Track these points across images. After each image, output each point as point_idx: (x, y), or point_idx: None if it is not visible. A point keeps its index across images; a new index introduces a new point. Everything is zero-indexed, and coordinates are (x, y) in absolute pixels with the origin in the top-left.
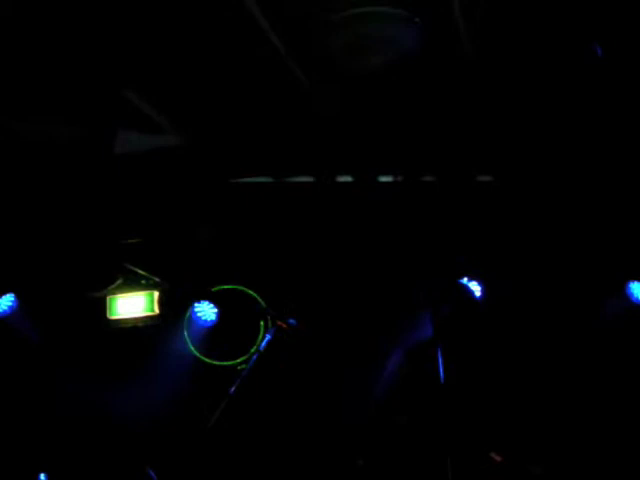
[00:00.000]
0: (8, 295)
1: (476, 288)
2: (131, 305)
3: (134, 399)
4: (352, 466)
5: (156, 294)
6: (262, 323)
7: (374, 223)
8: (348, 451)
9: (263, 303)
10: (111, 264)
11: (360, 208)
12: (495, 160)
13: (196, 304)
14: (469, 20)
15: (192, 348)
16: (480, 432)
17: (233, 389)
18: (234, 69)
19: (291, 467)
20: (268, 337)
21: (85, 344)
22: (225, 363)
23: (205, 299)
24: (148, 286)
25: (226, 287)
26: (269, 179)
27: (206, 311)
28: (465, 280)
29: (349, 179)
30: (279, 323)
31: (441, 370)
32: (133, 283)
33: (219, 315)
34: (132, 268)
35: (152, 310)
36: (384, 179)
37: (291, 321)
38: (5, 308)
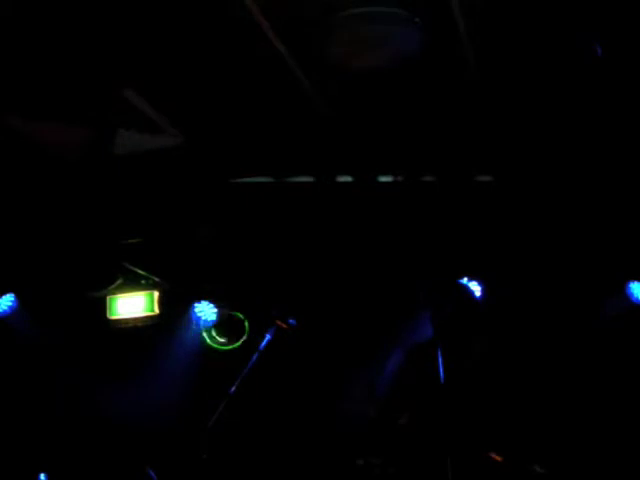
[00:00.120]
0: (8, 295)
1: (476, 288)
2: (131, 305)
3: (134, 399)
4: (352, 466)
5: (156, 294)
6: (246, 323)
7: (374, 223)
8: (348, 451)
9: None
10: (111, 264)
11: (360, 208)
12: (495, 160)
13: (196, 304)
14: (469, 20)
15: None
16: (480, 432)
17: (233, 389)
18: (234, 69)
19: (291, 467)
20: (268, 337)
21: (85, 344)
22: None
23: (205, 299)
24: (148, 286)
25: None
26: (269, 179)
27: (206, 311)
28: (465, 280)
29: (349, 179)
30: (279, 323)
31: (441, 370)
32: (133, 283)
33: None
34: (132, 268)
35: (152, 310)
36: (384, 179)
37: (291, 321)
38: (5, 308)
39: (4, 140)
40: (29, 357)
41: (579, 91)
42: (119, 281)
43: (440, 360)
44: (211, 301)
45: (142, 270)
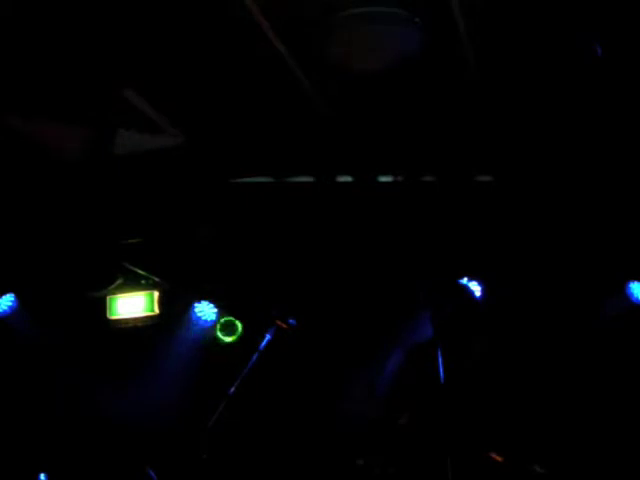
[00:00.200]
0: (8, 295)
1: (476, 288)
2: (131, 305)
3: (134, 399)
4: (352, 466)
5: (156, 294)
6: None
7: (374, 223)
8: (348, 451)
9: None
10: (111, 264)
11: (360, 208)
12: (495, 160)
13: (196, 304)
14: (469, 20)
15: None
16: (480, 432)
17: (233, 389)
18: (234, 69)
19: (291, 467)
20: (268, 337)
21: (85, 344)
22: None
23: (205, 299)
24: (148, 286)
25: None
26: (269, 179)
27: (206, 311)
28: (465, 280)
29: (349, 179)
30: (279, 323)
31: (441, 370)
32: (133, 283)
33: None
34: (132, 268)
35: (152, 310)
36: (384, 179)
37: (291, 321)
38: (5, 308)
39: (4, 140)
40: (29, 357)
41: (579, 91)
42: (119, 281)
43: (440, 360)
44: (211, 301)
45: (142, 270)
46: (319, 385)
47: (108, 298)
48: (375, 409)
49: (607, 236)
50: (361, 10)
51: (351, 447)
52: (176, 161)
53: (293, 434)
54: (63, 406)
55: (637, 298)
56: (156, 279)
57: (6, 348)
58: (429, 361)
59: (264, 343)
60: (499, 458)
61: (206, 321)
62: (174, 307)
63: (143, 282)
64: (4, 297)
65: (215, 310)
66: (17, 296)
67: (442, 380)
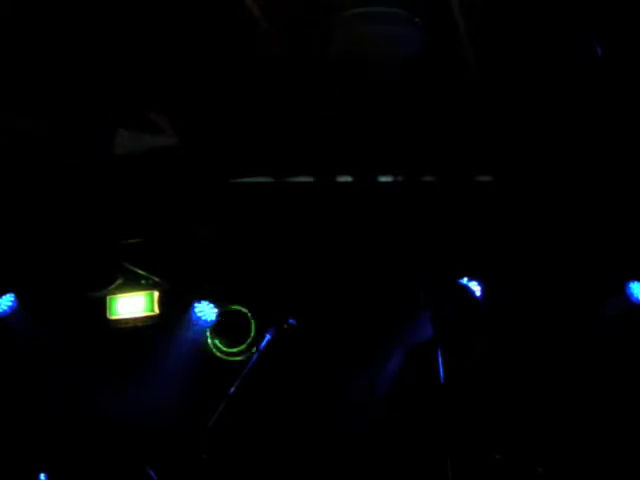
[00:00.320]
0: (8, 295)
1: (476, 288)
2: (131, 305)
3: (134, 399)
4: (352, 466)
5: (156, 294)
6: (253, 322)
7: (374, 223)
8: (348, 451)
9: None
10: (111, 264)
11: (360, 208)
12: (495, 160)
13: (196, 304)
14: (469, 20)
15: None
16: (480, 432)
17: (233, 389)
18: (234, 69)
19: (291, 467)
20: (268, 337)
21: (85, 344)
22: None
23: (205, 299)
24: (148, 286)
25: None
26: (269, 179)
27: (206, 311)
28: (465, 280)
29: (349, 179)
30: (279, 323)
31: (441, 370)
32: (133, 283)
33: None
34: (132, 268)
35: (152, 310)
36: (384, 179)
37: (291, 321)
38: (5, 308)
39: (4, 140)
40: (29, 357)
41: (579, 91)
42: (119, 281)
43: (440, 360)
44: (211, 301)
45: (142, 270)
46: (319, 385)
47: (108, 298)
48: (375, 409)
49: (607, 236)
50: (361, 10)
51: (351, 447)
52: (176, 161)
53: (293, 434)
54: (63, 406)
55: (637, 298)
56: (156, 279)
57: (6, 348)
58: (429, 361)
59: (264, 343)
60: (499, 458)
61: (206, 321)
62: (174, 307)
63: (143, 282)
64: (4, 297)
65: (215, 310)
66: (17, 296)
67: (442, 380)
